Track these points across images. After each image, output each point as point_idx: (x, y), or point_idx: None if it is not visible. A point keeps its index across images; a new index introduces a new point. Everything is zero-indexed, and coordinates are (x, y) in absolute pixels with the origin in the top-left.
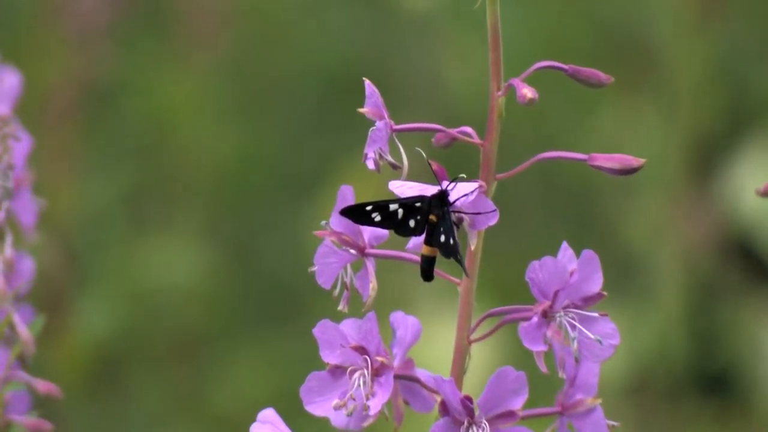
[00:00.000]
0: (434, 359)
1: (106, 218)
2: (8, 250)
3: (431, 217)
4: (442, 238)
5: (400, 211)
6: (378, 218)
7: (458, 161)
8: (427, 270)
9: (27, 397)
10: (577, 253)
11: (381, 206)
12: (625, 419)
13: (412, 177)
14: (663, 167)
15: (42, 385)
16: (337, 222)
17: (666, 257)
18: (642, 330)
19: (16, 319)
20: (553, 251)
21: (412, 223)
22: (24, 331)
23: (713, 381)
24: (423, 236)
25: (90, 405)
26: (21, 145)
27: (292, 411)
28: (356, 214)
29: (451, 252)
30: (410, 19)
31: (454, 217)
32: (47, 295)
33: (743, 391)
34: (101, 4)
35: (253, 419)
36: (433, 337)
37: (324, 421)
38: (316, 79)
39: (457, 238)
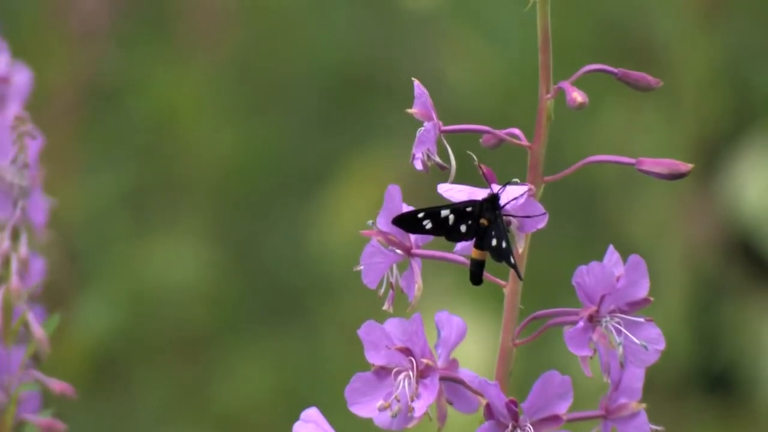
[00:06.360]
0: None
1: (108, 217)
2: (23, 249)
3: (482, 221)
4: (494, 242)
5: (451, 216)
6: (429, 226)
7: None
8: (476, 274)
9: (37, 396)
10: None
11: (433, 213)
12: None
13: (424, 176)
14: None
15: (56, 385)
16: (384, 221)
17: (669, 256)
18: None
19: (31, 318)
20: (558, 250)
21: (463, 228)
22: (38, 330)
23: (716, 379)
24: (472, 240)
25: (92, 404)
26: (32, 144)
27: (294, 410)
28: (407, 222)
29: (504, 256)
30: (414, 19)
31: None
32: (49, 294)
33: (746, 389)
34: (103, 3)
35: (255, 417)
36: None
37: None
38: (320, 78)
39: (509, 242)
